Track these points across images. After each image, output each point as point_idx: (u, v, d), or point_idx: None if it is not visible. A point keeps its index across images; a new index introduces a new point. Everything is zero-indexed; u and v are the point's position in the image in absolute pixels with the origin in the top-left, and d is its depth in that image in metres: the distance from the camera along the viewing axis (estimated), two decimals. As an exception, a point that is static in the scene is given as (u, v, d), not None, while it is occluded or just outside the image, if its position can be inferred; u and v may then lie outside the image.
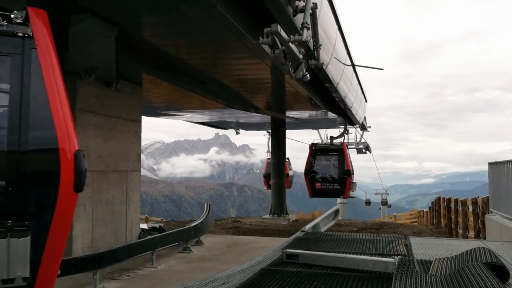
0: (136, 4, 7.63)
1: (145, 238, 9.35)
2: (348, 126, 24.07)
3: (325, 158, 18.34)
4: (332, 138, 19.26)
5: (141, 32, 9.15)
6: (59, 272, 3.13)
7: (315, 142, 19.23)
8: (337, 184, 17.79)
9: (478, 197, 13.42)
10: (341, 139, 19.20)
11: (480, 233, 12.56)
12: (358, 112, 20.38)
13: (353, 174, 18.23)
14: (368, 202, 37.96)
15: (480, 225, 12.71)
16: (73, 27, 7.71)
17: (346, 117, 19.16)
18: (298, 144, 24.90)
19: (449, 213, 16.89)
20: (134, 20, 8.53)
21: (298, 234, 8.12)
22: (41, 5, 6.97)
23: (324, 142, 21.20)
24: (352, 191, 18.96)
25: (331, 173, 17.95)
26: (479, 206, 13.04)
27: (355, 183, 19.46)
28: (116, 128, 9.72)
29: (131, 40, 9.28)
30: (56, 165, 2.72)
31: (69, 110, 2.85)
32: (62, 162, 2.71)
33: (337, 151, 18.24)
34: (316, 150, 18.46)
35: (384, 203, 38.15)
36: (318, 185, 17.95)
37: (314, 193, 18.14)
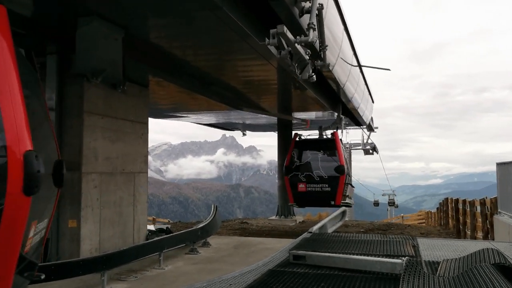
0: (142, 7, 7.67)
1: (152, 240, 9.38)
2: (353, 126, 23.79)
3: (312, 153, 14.11)
4: (321, 128, 15.25)
5: (147, 34, 9.19)
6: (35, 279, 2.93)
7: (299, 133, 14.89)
8: (327, 185, 13.47)
9: (486, 197, 13.32)
10: (334, 130, 14.98)
11: (488, 234, 12.46)
12: (365, 112, 20.30)
13: (349, 175, 14.28)
14: (376, 203, 37.77)
15: (488, 226, 12.61)
16: (80, 30, 7.76)
17: (340, 103, 16.11)
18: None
19: (457, 214, 16.78)
20: (140, 23, 8.56)
21: (305, 235, 8.10)
22: (48, 7, 7.00)
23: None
24: (349, 197, 14.40)
25: (319, 171, 13.61)
26: (487, 206, 12.94)
27: (352, 187, 15.30)
28: (123, 130, 9.77)
29: (138, 42, 9.33)
30: (2, 167, 2.54)
31: (23, 110, 2.71)
32: (9, 164, 2.51)
33: (327, 143, 14.16)
34: (300, 143, 14.36)
35: (391, 203, 38.02)
36: (301, 186, 13.70)
37: (297, 198, 13.96)
